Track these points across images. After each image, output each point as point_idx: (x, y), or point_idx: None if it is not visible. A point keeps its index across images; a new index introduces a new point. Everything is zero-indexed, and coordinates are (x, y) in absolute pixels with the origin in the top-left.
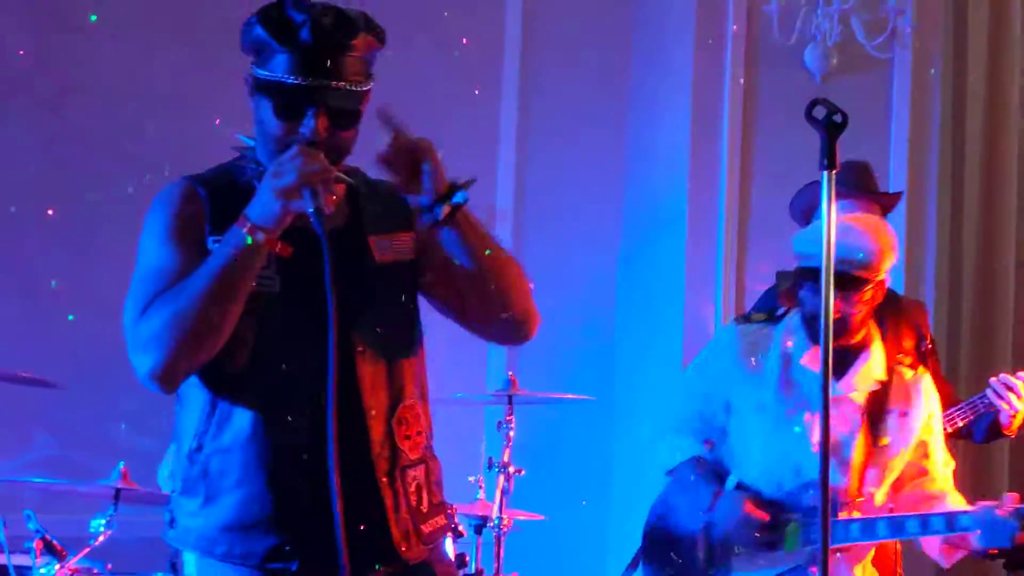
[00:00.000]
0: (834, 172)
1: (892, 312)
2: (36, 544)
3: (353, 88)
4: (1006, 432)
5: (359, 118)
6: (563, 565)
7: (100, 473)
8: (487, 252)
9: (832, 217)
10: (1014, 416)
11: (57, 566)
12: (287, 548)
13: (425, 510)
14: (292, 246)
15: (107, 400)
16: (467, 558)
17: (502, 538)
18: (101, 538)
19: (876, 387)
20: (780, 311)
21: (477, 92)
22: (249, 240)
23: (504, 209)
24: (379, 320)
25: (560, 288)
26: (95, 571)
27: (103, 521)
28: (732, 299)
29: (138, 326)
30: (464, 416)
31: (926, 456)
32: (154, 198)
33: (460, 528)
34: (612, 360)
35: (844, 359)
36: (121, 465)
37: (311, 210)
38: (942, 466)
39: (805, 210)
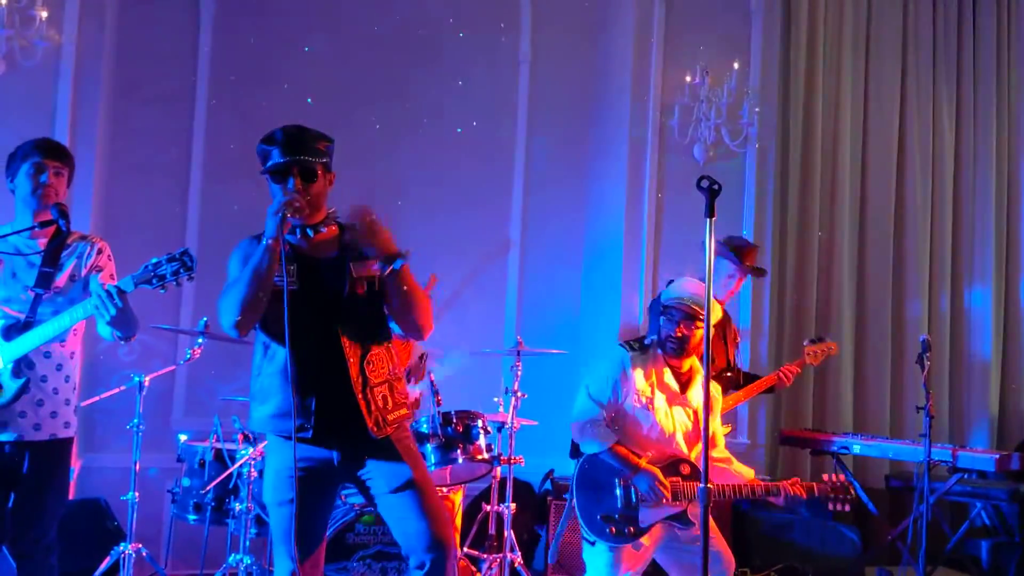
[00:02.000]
0: (713, 219)
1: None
2: (239, 436)
3: (311, 159)
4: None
5: (317, 177)
6: (548, 451)
7: None
8: (409, 296)
9: (711, 253)
10: (785, 388)
11: (251, 449)
12: (305, 425)
13: (390, 408)
14: (302, 269)
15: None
16: (492, 446)
17: (513, 434)
18: None
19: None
20: (647, 341)
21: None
22: (263, 244)
23: (515, 239)
24: (352, 312)
25: (547, 286)
26: None
27: None
28: (649, 295)
29: (220, 302)
30: (490, 363)
31: (714, 437)
32: (235, 247)
33: (488, 427)
34: (578, 330)
35: (687, 382)
36: None
37: (277, 218)
38: (720, 438)
39: (731, 248)
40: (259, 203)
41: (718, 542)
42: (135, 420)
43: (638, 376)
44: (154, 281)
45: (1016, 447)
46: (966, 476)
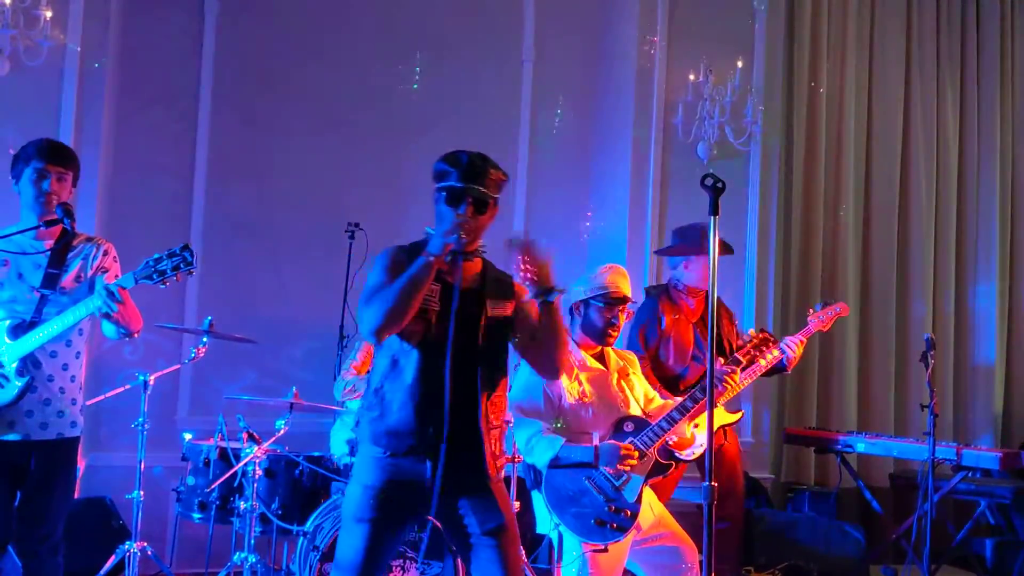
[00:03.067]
0: (717, 217)
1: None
2: (244, 435)
3: (488, 192)
4: (787, 370)
5: (487, 210)
6: None
7: (281, 393)
8: (554, 331)
9: (715, 248)
10: (791, 362)
11: (256, 447)
12: (418, 448)
13: (498, 453)
14: (446, 291)
15: (285, 351)
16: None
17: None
18: (282, 432)
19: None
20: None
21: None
22: (425, 260)
23: (518, 232)
24: (487, 350)
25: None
26: (277, 451)
27: (283, 422)
28: (654, 280)
29: (365, 307)
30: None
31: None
32: (379, 253)
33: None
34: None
35: (601, 356)
36: (294, 388)
37: (455, 245)
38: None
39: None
40: (261, 203)
41: (677, 536)
42: (140, 419)
43: (562, 378)
44: (155, 276)
45: (1021, 445)
46: (970, 475)
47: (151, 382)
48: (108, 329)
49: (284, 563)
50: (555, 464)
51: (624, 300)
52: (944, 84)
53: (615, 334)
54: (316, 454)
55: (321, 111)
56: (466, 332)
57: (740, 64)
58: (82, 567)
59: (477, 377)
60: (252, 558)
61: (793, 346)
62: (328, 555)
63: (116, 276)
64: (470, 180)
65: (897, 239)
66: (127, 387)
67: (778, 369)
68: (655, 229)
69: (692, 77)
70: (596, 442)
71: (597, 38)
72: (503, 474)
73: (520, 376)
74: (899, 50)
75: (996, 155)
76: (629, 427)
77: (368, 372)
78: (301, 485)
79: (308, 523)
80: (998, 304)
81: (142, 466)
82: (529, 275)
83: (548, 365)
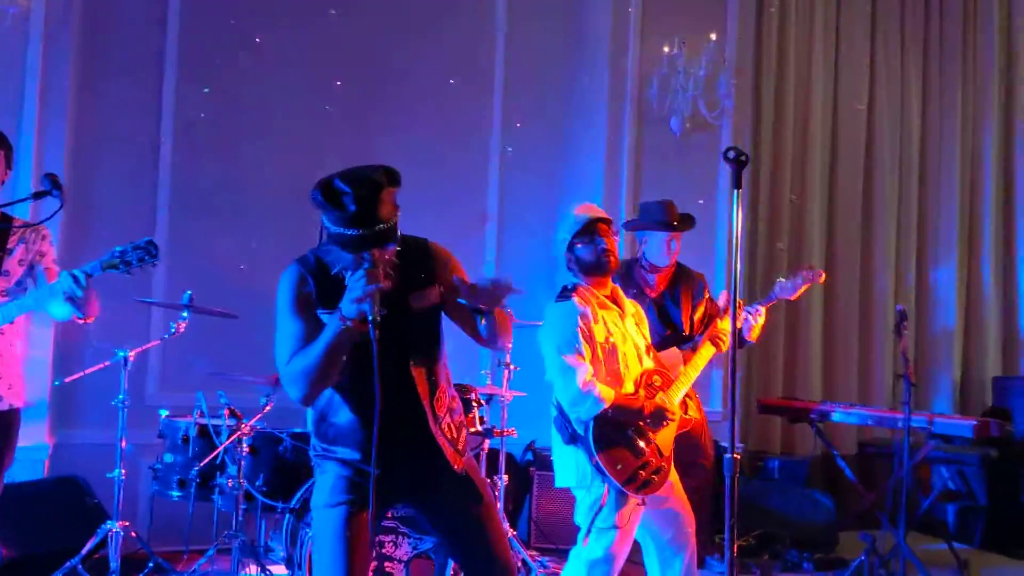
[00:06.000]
0: (740, 191)
1: (683, 278)
2: (226, 411)
3: (388, 224)
4: (749, 338)
5: (394, 234)
6: (530, 423)
7: (265, 369)
8: (502, 327)
9: (739, 219)
10: (752, 329)
11: (241, 424)
12: (375, 472)
13: (456, 436)
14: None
15: (258, 325)
16: (484, 418)
17: (506, 407)
18: (267, 408)
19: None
20: (571, 285)
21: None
22: (343, 327)
23: (492, 212)
24: (418, 344)
25: (526, 258)
26: (259, 427)
27: (266, 398)
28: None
29: (287, 371)
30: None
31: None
32: (281, 278)
33: (480, 400)
34: None
35: (615, 298)
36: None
37: (369, 315)
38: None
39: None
40: (231, 174)
41: (682, 503)
42: (120, 396)
43: (589, 319)
44: (121, 267)
45: (983, 413)
46: (940, 443)
47: (131, 358)
48: (59, 311)
49: (264, 539)
50: (601, 415)
51: (600, 220)
52: (908, 62)
53: (612, 258)
54: (299, 430)
55: (292, 79)
56: (397, 339)
57: (713, 37)
58: (60, 547)
59: (414, 382)
60: (240, 536)
61: (752, 316)
62: None
63: (54, 259)
64: (367, 226)
65: (862, 213)
66: (106, 364)
67: (740, 341)
68: (629, 204)
69: (666, 50)
70: (642, 399)
71: (572, 10)
72: (469, 452)
73: (553, 319)
74: (865, 28)
75: (957, 134)
76: (657, 382)
77: None
78: (285, 462)
79: (293, 499)
80: (958, 276)
81: (122, 444)
82: (471, 294)
83: (494, 346)
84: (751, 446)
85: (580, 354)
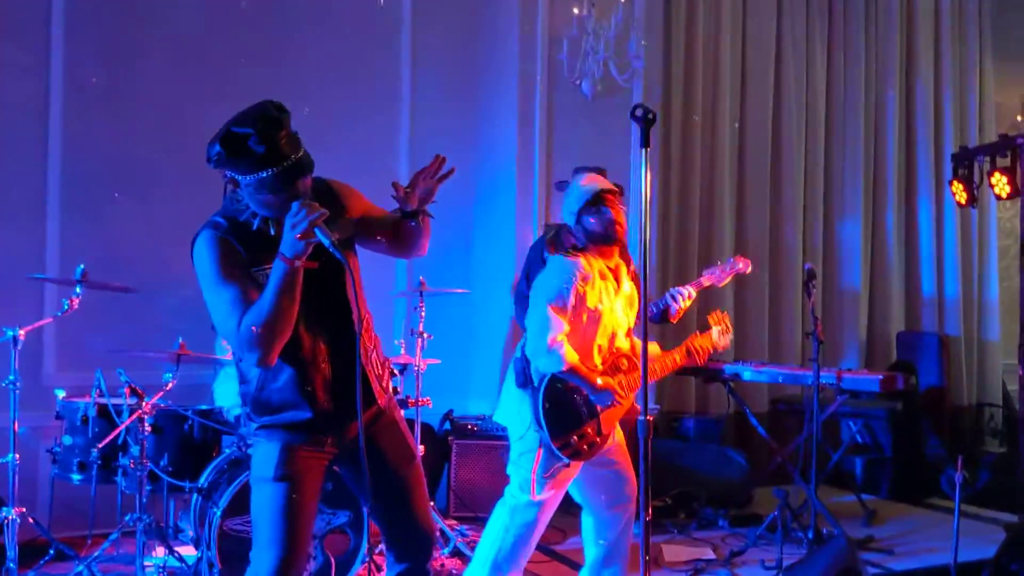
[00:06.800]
0: (648, 150)
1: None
2: (126, 390)
3: (300, 153)
4: (671, 319)
5: (311, 166)
6: (446, 392)
7: (167, 345)
8: (420, 231)
9: (647, 178)
10: (679, 311)
11: (142, 403)
12: (324, 432)
13: (382, 373)
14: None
15: (168, 299)
16: (399, 389)
17: (420, 375)
18: (169, 386)
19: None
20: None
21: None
22: (290, 268)
23: (403, 174)
24: (343, 278)
25: (438, 223)
26: (162, 405)
27: (170, 375)
28: (542, 231)
29: (241, 335)
30: (381, 305)
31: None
32: (195, 249)
33: (395, 370)
34: (470, 267)
35: (616, 273)
36: (180, 339)
37: (327, 242)
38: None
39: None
40: (126, 142)
41: (626, 467)
42: (11, 376)
43: (588, 282)
44: None
45: (889, 367)
46: (846, 398)
47: (21, 337)
48: None
49: (172, 520)
50: (556, 376)
51: (607, 191)
52: (813, 21)
53: (619, 228)
54: (204, 407)
55: (187, 40)
56: (325, 275)
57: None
58: None
59: (348, 315)
60: (146, 518)
61: (680, 297)
62: (228, 512)
63: None
64: (281, 159)
65: (770, 173)
66: None
67: (664, 317)
68: (543, 168)
69: (576, 11)
70: (598, 377)
71: None
72: (394, 400)
73: (553, 269)
74: None
75: (861, 95)
76: (624, 365)
77: None
78: (191, 440)
79: (201, 479)
80: (862, 234)
81: (15, 427)
82: (402, 193)
83: (411, 254)
84: (666, 407)
85: (564, 311)
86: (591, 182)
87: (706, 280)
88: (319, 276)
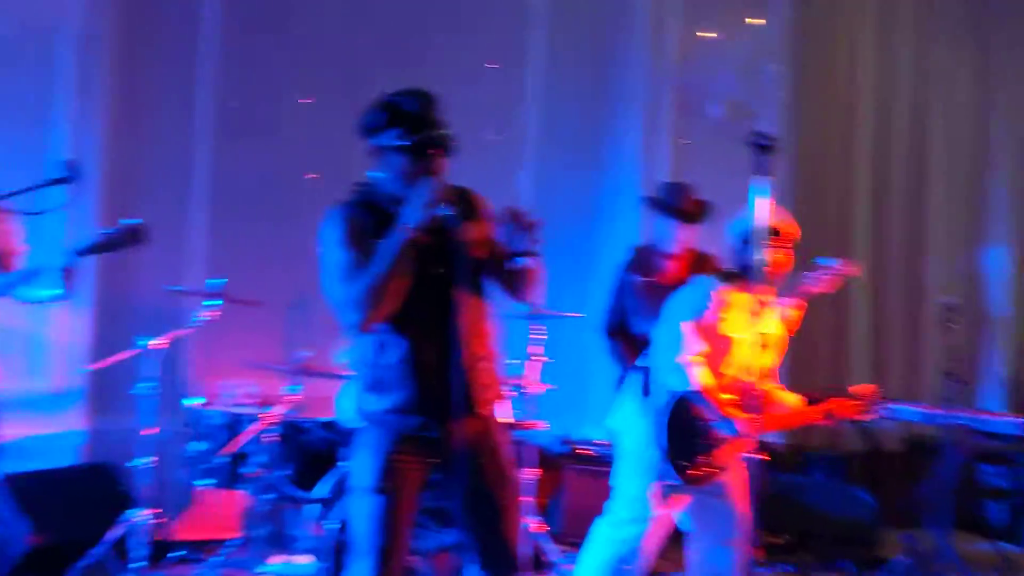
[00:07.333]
0: (765, 178)
1: (702, 267)
2: (254, 400)
3: (449, 131)
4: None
5: (454, 148)
6: (560, 416)
7: (289, 358)
8: (532, 275)
9: (763, 206)
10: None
11: (266, 413)
12: (428, 423)
13: (490, 383)
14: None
15: (292, 314)
16: (512, 409)
17: (534, 398)
18: (293, 397)
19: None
20: (730, 269)
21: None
22: (407, 236)
23: (526, 199)
24: (465, 276)
25: (559, 246)
26: (287, 417)
27: (294, 387)
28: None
29: (346, 293)
30: (511, 326)
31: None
32: (326, 220)
33: (508, 390)
34: (590, 293)
35: (761, 309)
36: (306, 354)
37: (451, 215)
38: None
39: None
40: (270, 163)
41: (744, 502)
42: (150, 383)
43: (724, 306)
44: (110, 248)
45: None
46: (986, 440)
47: (162, 346)
48: (34, 293)
49: (291, 529)
50: (683, 396)
51: (774, 232)
52: (961, 46)
53: (774, 271)
54: (327, 420)
55: (331, 68)
56: (438, 266)
57: (755, 22)
58: (89, 534)
59: (459, 313)
60: (264, 528)
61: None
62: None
63: (18, 240)
64: (430, 125)
65: (909, 203)
66: (137, 350)
67: None
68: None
69: (705, 34)
70: (729, 407)
71: None
72: (502, 417)
73: (693, 288)
74: (908, 11)
75: (1009, 124)
76: (754, 403)
77: None
78: (313, 452)
79: (321, 490)
80: (1011, 264)
81: (151, 431)
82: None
83: (519, 299)
84: (792, 440)
85: (700, 330)
86: (776, 220)
87: (811, 289)
88: (440, 262)
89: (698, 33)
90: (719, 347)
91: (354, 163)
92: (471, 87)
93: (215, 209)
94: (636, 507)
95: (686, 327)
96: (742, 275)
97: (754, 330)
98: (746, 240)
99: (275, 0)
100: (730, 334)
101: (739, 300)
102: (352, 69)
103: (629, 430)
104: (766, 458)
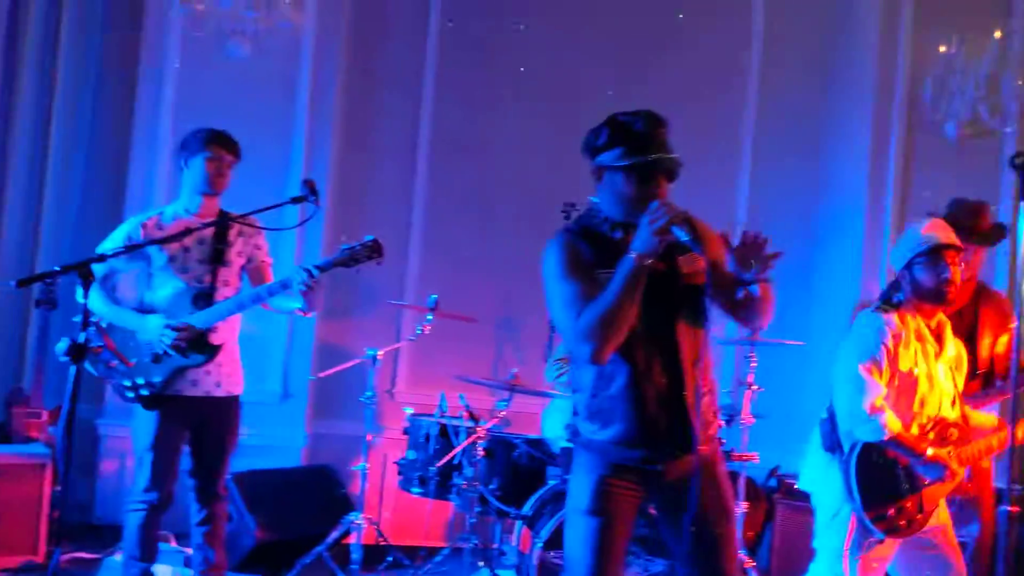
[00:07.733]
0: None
1: (985, 301)
2: (465, 413)
3: (673, 156)
4: None
5: (678, 173)
6: (772, 446)
7: (504, 375)
8: (765, 299)
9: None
10: None
11: (478, 426)
12: (652, 456)
13: (711, 420)
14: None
15: (507, 332)
16: (723, 440)
17: (747, 428)
18: (502, 413)
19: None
20: (895, 299)
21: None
22: (638, 264)
23: (741, 219)
24: (686, 309)
25: (776, 272)
26: (495, 431)
27: (504, 403)
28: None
29: (579, 327)
30: (724, 353)
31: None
32: (547, 250)
33: (721, 421)
34: (808, 319)
35: (940, 335)
36: (515, 370)
37: (687, 238)
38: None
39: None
40: (481, 182)
41: (953, 553)
42: (368, 392)
43: (900, 341)
44: (350, 263)
45: None
46: None
47: (380, 357)
48: (285, 304)
49: (497, 543)
50: (872, 444)
51: (950, 247)
52: None
53: (952, 289)
54: (534, 437)
55: (541, 92)
56: (664, 304)
57: (996, 34)
58: (311, 533)
59: (680, 347)
60: (473, 539)
61: None
62: (550, 544)
63: (267, 252)
64: (658, 147)
65: None
66: (358, 360)
67: None
68: (895, 214)
69: (942, 48)
70: (929, 448)
71: (833, 6)
72: (720, 453)
73: (862, 327)
74: None
75: None
76: (952, 436)
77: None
78: (519, 468)
79: (526, 507)
80: None
81: (369, 438)
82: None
83: (751, 325)
84: None
85: (879, 371)
86: (933, 231)
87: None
88: (667, 289)
89: (939, 47)
90: (903, 384)
91: (568, 184)
92: (689, 109)
93: (430, 226)
94: (839, 566)
95: (863, 369)
96: (916, 298)
97: (939, 358)
98: (917, 259)
99: (492, 26)
100: (912, 368)
101: (912, 328)
102: (566, 89)
103: (821, 485)
104: (1015, 510)
